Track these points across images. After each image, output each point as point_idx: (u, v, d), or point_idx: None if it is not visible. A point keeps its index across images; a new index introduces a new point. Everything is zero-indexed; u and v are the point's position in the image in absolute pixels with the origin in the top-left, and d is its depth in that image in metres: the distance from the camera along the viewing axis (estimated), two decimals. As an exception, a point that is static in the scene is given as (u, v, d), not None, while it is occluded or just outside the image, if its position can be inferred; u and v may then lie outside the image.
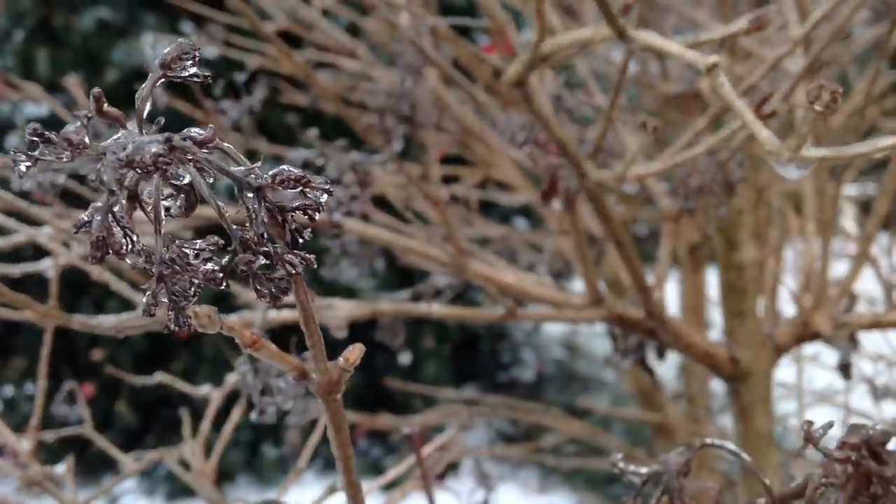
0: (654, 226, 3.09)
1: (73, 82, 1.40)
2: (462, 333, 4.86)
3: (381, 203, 1.75)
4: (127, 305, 1.02)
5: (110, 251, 0.33)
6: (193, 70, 0.35)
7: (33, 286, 0.88)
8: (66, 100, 2.35)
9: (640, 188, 1.32)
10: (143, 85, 0.35)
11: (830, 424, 0.50)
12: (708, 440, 0.68)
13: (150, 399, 4.28)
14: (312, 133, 1.07)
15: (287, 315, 1.02)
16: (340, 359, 0.51)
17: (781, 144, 0.58)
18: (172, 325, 0.36)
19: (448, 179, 2.71)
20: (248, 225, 0.36)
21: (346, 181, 1.07)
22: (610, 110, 1.03)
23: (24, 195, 1.11)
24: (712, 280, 2.46)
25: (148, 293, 0.35)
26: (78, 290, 3.96)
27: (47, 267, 1.29)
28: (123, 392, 4.31)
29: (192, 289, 0.36)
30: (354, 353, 0.51)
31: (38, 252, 1.35)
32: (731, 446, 0.67)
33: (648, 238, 3.39)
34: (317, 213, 0.36)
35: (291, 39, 2.41)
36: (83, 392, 4.12)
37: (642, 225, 3.30)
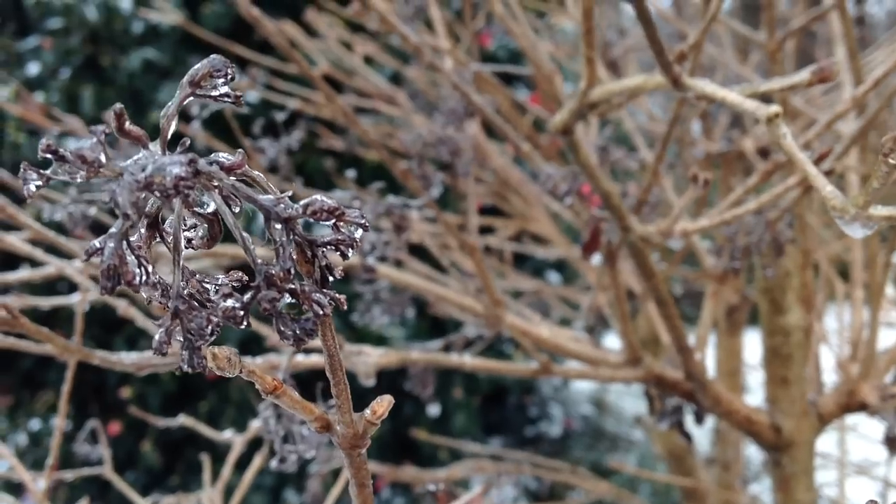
0: (690, 285, 3.04)
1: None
2: (491, 386, 4.81)
3: (418, 251, 1.72)
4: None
5: (122, 282, 0.30)
6: (225, 89, 0.32)
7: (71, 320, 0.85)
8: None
9: (683, 245, 1.28)
10: (170, 103, 0.32)
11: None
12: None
13: (176, 439, 4.25)
14: (349, 175, 1.05)
15: (315, 360, 0.98)
16: (367, 411, 0.48)
17: (848, 201, 0.55)
18: (185, 366, 0.32)
19: (483, 230, 2.69)
20: (274, 260, 0.33)
21: (382, 226, 1.04)
22: (656, 163, 1.00)
23: (58, 227, 1.10)
24: (749, 344, 2.39)
25: (161, 329, 0.32)
26: (112, 326, 3.96)
27: (77, 301, 1.28)
28: (149, 431, 4.28)
29: (210, 327, 0.32)
30: (383, 405, 0.47)
31: (74, 285, 1.33)
32: (782, 523, 0.63)
33: (684, 297, 3.33)
34: (350, 250, 0.33)
35: (332, 85, 2.42)
36: (109, 430, 4.08)
37: (677, 283, 3.24)
